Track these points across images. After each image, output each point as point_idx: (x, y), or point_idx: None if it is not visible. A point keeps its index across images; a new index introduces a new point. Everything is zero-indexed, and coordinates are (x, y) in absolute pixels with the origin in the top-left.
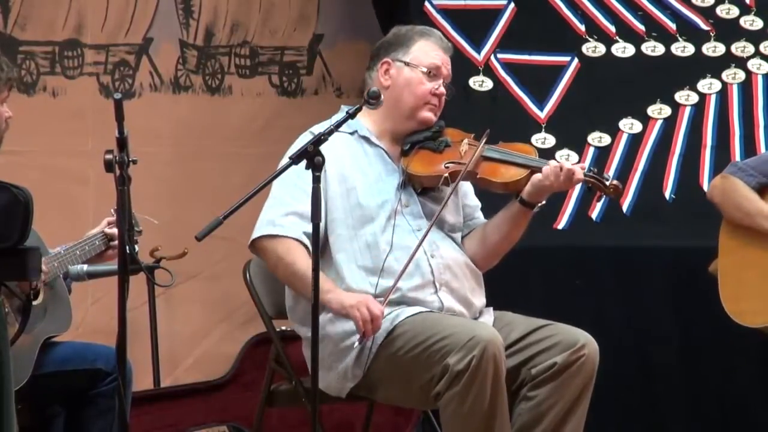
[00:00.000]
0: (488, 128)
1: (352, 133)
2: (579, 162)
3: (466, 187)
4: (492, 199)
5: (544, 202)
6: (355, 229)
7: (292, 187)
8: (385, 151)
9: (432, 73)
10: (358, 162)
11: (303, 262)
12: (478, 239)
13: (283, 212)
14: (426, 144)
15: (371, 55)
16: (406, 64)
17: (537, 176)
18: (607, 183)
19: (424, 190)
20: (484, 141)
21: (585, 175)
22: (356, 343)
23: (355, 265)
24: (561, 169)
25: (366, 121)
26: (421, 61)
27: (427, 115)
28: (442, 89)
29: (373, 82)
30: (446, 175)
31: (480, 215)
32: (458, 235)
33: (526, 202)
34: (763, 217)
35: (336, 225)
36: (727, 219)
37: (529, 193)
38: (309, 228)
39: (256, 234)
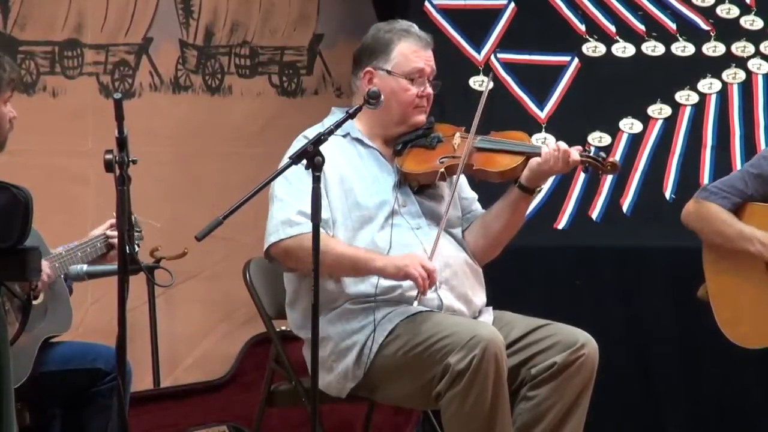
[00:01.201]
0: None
1: (344, 136)
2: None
3: (461, 180)
4: (488, 189)
5: (543, 186)
6: (354, 230)
7: (296, 190)
8: (379, 152)
9: (416, 78)
10: (353, 163)
11: (338, 243)
12: (479, 230)
13: (294, 211)
14: (418, 142)
15: (353, 59)
16: (389, 72)
17: (535, 161)
18: (603, 161)
19: (420, 188)
20: (473, 132)
21: (581, 155)
22: (415, 303)
23: None
24: (558, 150)
25: (357, 123)
26: (403, 68)
27: (418, 118)
28: (429, 90)
29: (359, 89)
30: (442, 170)
31: (477, 206)
32: (458, 231)
33: (526, 188)
34: (745, 239)
35: (336, 228)
36: (707, 244)
37: (527, 178)
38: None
39: (275, 238)
